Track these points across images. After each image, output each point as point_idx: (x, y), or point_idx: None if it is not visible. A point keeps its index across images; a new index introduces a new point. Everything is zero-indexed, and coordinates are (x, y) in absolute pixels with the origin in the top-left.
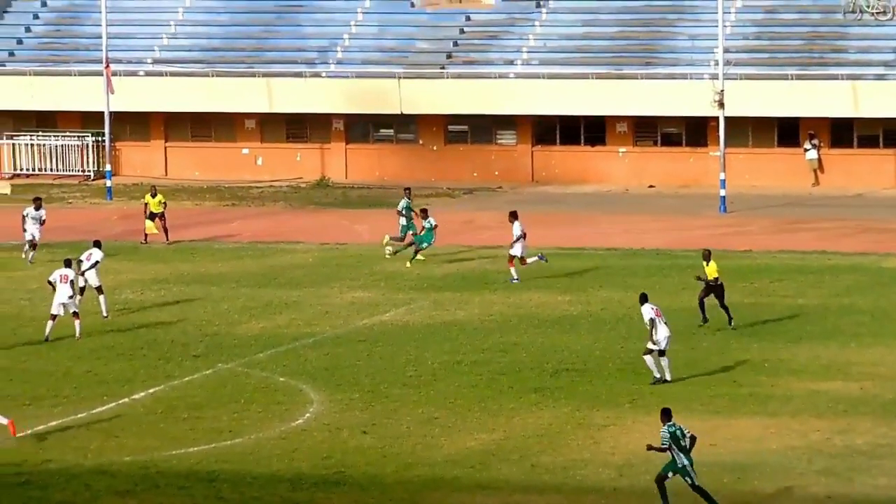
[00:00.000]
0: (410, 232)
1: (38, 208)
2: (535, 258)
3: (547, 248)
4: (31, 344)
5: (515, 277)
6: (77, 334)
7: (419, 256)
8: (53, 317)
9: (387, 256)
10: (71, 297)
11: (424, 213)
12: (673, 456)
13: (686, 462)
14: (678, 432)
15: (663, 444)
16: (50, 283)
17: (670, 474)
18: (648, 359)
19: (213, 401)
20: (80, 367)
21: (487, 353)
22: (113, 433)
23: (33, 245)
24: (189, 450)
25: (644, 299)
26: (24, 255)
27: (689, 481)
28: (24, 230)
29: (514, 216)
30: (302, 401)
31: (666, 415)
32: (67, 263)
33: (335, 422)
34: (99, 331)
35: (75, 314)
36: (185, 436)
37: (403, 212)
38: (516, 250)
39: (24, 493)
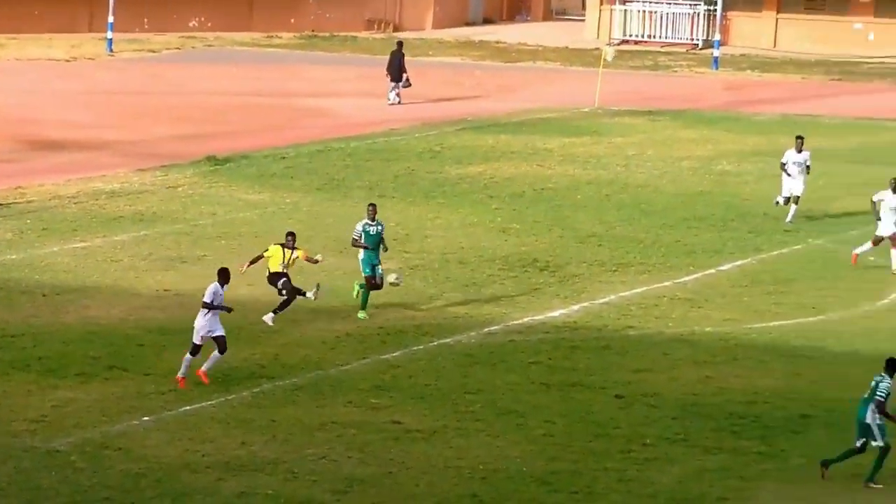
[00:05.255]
0: None
1: (799, 150)
2: None
3: None
4: (622, 209)
5: None
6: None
7: None
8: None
9: None
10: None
11: None
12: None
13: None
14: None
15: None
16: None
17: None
18: None
19: (800, 276)
20: (669, 235)
21: None
22: (696, 303)
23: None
24: (770, 324)
25: None
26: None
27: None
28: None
29: None
30: (891, 280)
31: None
32: None
33: None
34: (690, 201)
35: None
36: (767, 310)
37: None
38: None
39: (603, 357)
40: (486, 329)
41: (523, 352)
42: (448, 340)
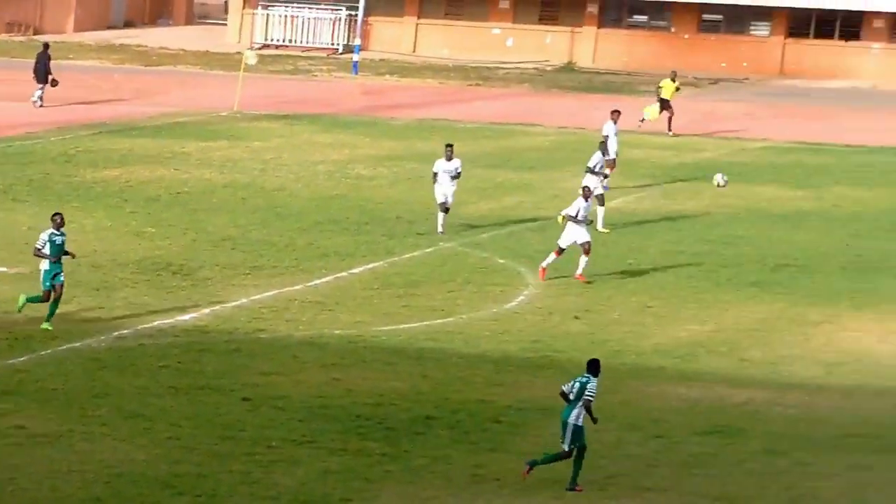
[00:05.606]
0: None
1: (449, 158)
2: None
3: (787, 143)
4: (257, 212)
5: None
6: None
7: None
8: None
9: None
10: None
11: None
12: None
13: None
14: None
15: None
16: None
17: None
18: None
19: (431, 279)
20: (303, 238)
21: (711, 245)
22: (327, 306)
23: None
24: (400, 326)
25: None
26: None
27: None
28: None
29: None
30: (518, 283)
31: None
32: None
33: (548, 306)
34: (324, 205)
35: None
36: (397, 312)
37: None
38: None
39: (232, 361)
40: (116, 333)
41: (153, 355)
42: (77, 344)
